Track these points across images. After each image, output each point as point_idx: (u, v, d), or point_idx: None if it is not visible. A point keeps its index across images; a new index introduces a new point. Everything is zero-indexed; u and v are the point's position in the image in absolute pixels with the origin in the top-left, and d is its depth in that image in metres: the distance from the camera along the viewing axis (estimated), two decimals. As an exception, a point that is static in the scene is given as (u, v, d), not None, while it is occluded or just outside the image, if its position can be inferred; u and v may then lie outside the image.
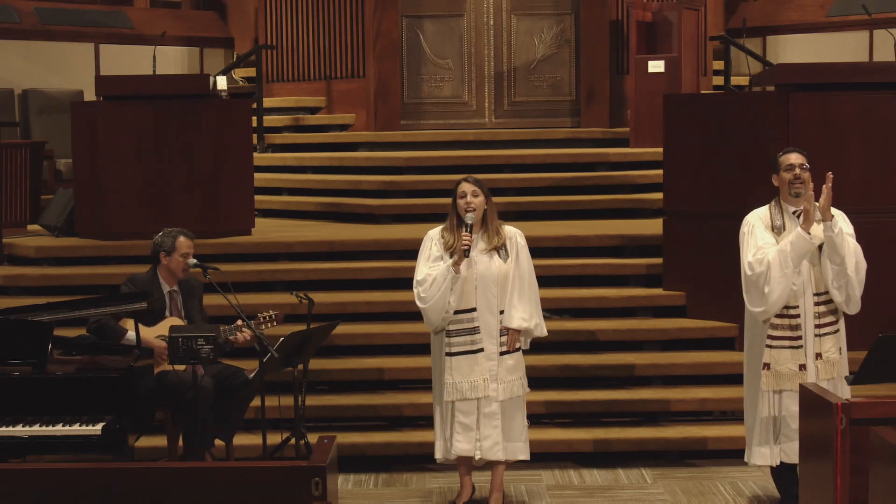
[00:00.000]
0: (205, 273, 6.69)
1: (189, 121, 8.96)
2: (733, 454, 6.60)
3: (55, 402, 5.74)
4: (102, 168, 8.93)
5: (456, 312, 6.14)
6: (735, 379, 7.01)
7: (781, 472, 6.21)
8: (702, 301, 7.95)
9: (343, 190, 10.42)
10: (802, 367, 6.08)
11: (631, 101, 11.13)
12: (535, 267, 6.37)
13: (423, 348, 6.59)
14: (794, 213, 6.13)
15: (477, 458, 6.24)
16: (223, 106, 9.17)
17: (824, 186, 5.94)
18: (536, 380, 7.17)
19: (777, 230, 6.13)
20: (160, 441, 6.76)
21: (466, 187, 6.19)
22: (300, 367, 6.65)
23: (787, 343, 6.10)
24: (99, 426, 5.63)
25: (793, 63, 10.07)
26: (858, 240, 6.12)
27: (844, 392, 6.00)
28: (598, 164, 10.42)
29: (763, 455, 6.18)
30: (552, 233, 8.78)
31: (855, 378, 5.68)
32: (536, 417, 7.21)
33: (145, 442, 6.59)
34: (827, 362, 6.08)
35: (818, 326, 6.10)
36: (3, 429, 5.62)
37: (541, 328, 6.31)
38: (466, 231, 6.11)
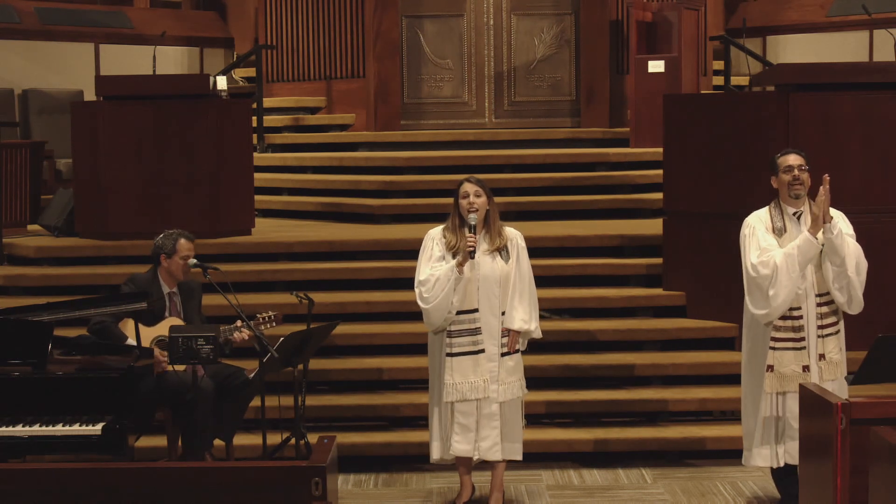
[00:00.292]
0: (205, 273, 6.69)
1: (189, 121, 8.96)
2: (733, 454, 6.60)
3: (55, 402, 5.74)
4: (102, 168, 8.93)
5: (458, 313, 6.14)
6: (735, 379, 7.00)
7: (781, 473, 6.21)
8: (702, 301, 7.95)
9: (343, 190, 10.42)
10: (806, 368, 6.08)
11: (631, 101, 11.13)
12: (535, 267, 6.39)
13: (423, 348, 6.59)
14: (793, 214, 6.12)
15: (475, 458, 6.24)
16: (223, 106, 9.17)
17: (821, 188, 5.94)
18: (536, 380, 7.18)
19: (777, 232, 6.12)
20: (160, 441, 6.76)
21: (469, 188, 6.19)
22: (300, 367, 6.65)
23: (790, 345, 6.10)
24: (99, 426, 5.63)
25: (793, 63, 10.08)
26: (858, 240, 6.12)
27: (845, 392, 6.00)
28: (598, 164, 10.42)
29: (764, 456, 6.18)
30: (552, 233, 8.78)
31: (855, 378, 5.68)
32: (536, 417, 7.21)
33: (145, 442, 6.60)
34: (830, 363, 6.09)
35: (820, 328, 6.10)
36: (3, 429, 5.62)
37: (538, 330, 6.32)
38: (470, 232, 6.10)
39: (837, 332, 6.15)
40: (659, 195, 8.70)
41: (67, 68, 12.22)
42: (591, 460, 7.11)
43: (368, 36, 11.80)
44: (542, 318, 7.90)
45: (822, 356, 6.09)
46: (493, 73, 11.92)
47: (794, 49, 12.53)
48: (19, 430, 5.62)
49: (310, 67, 12.28)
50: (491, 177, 8.30)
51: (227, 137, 9.07)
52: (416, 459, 7.02)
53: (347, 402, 7.45)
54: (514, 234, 6.29)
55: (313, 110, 12.19)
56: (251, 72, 12.29)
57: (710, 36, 11.90)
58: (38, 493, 4.15)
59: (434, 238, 6.26)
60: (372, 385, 7.63)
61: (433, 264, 6.18)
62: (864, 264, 6.07)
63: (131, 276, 6.87)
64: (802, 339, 6.09)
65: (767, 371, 6.12)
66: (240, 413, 6.70)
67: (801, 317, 6.09)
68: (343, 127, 11.99)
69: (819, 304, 6.10)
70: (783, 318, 6.10)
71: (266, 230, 9.37)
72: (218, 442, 6.68)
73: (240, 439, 6.86)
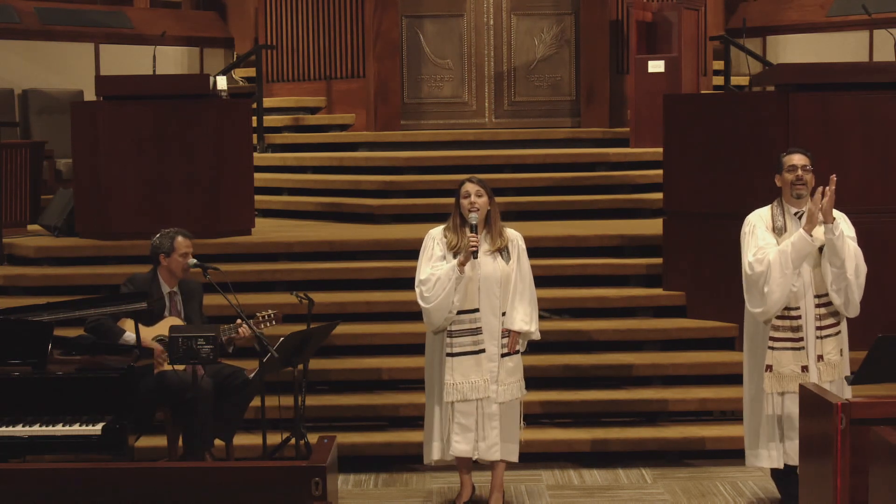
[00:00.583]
0: (205, 273, 6.69)
1: (189, 121, 8.96)
2: (733, 454, 6.60)
3: (55, 402, 5.74)
4: (102, 168, 8.93)
5: (459, 313, 6.14)
6: (735, 379, 7.01)
7: (782, 473, 6.21)
8: (702, 301, 7.95)
9: (343, 190, 10.42)
10: (805, 368, 6.07)
11: (631, 101, 11.13)
12: (535, 267, 6.39)
13: (422, 348, 6.58)
14: (795, 213, 6.12)
15: (475, 458, 6.23)
16: (223, 106, 9.17)
17: (827, 189, 5.93)
18: (536, 380, 7.18)
19: (778, 231, 6.12)
20: (160, 441, 6.76)
21: (470, 187, 6.19)
22: (300, 367, 6.65)
23: (789, 345, 6.10)
24: (99, 426, 5.63)
25: (793, 63, 10.08)
26: (858, 240, 6.12)
27: (845, 392, 6.00)
28: (598, 164, 10.43)
29: (767, 457, 6.18)
30: (552, 233, 8.78)
31: (855, 378, 5.68)
32: (536, 417, 7.21)
33: (145, 442, 6.60)
34: (828, 364, 6.08)
35: (819, 328, 6.09)
36: (3, 429, 5.62)
37: (537, 332, 6.32)
38: (472, 232, 6.10)
39: (838, 333, 6.14)
40: (659, 195, 8.70)
41: (67, 68, 12.22)
42: (591, 460, 7.11)
43: (368, 36, 11.81)
44: (542, 318, 7.91)
45: (820, 357, 6.08)
46: (493, 73, 11.92)
47: (794, 49, 12.53)
48: (19, 430, 5.62)
49: (310, 67, 12.28)
50: (491, 177, 8.30)
51: (227, 137, 9.07)
52: (416, 459, 7.00)
53: (347, 402, 7.44)
54: (514, 236, 6.30)
55: (313, 110, 12.19)
56: (251, 72, 12.29)
57: (710, 36, 11.91)
58: (38, 493, 4.15)
59: (435, 238, 6.26)
60: (372, 385, 7.63)
61: (434, 264, 6.18)
62: (864, 268, 6.05)
63: (131, 276, 6.87)
64: (801, 339, 6.09)
65: (766, 371, 6.12)
66: (240, 413, 6.70)
67: (799, 317, 6.09)
68: (343, 127, 11.99)
69: (818, 305, 6.09)
70: (781, 317, 6.09)
71: (266, 230, 9.37)
72: (218, 442, 6.68)
73: (240, 439, 6.85)
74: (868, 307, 6.20)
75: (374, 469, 7.05)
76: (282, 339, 6.37)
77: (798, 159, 6.12)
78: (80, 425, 5.65)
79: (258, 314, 6.70)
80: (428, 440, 6.30)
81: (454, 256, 6.14)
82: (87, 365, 6.01)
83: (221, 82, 9.36)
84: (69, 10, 12.51)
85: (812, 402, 5.19)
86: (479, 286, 6.17)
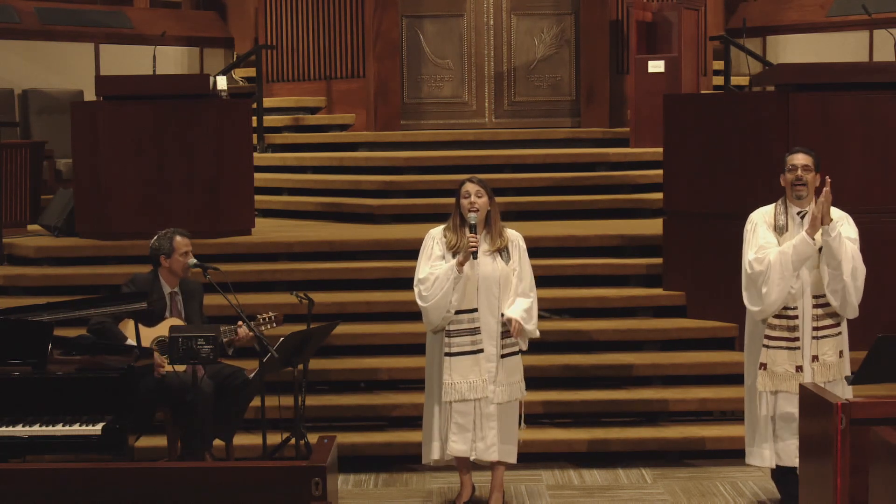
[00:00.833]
0: (205, 273, 6.69)
1: (189, 121, 8.95)
2: (733, 454, 6.60)
3: (55, 402, 5.74)
4: (102, 168, 8.93)
5: (457, 313, 6.14)
6: (735, 379, 7.01)
7: (782, 473, 6.21)
8: (702, 301, 7.95)
9: (343, 190, 10.42)
10: (799, 368, 6.07)
11: (631, 101, 11.13)
12: (535, 267, 6.39)
13: (422, 348, 6.58)
14: (798, 213, 6.12)
15: (472, 458, 6.23)
16: (223, 106, 9.17)
17: (824, 189, 5.94)
18: (536, 380, 7.18)
19: (779, 230, 6.13)
20: (160, 441, 6.76)
21: (470, 187, 6.19)
22: (300, 367, 6.65)
23: (784, 344, 6.10)
24: (99, 426, 5.63)
25: (793, 63, 10.08)
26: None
27: (845, 392, 5.99)
28: (598, 164, 10.42)
29: (760, 456, 6.19)
30: (552, 233, 8.78)
31: (855, 378, 5.68)
32: (536, 417, 7.21)
33: (145, 442, 6.59)
34: (823, 365, 6.06)
35: (816, 329, 6.08)
36: (3, 429, 5.62)
37: (536, 331, 6.31)
38: (471, 232, 6.10)
39: (836, 334, 6.11)
40: (659, 195, 8.70)
41: (67, 68, 12.22)
42: (591, 460, 7.11)
43: (368, 36, 11.80)
44: (542, 318, 7.91)
45: (815, 358, 6.06)
46: (493, 73, 11.92)
47: (794, 49, 12.52)
48: (19, 430, 5.62)
49: (310, 67, 12.28)
50: (491, 177, 8.30)
51: (227, 137, 9.07)
52: (416, 459, 6.99)
53: (347, 402, 7.44)
54: (515, 236, 6.29)
55: (313, 110, 12.19)
56: (251, 72, 12.29)
57: (710, 36, 11.90)
58: (38, 493, 4.15)
59: (435, 237, 6.26)
60: (372, 385, 7.63)
61: (433, 263, 6.18)
62: (862, 270, 6.03)
63: (132, 276, 6.87)
64: (797, 339, 6.09)
65: (760, 369, 6.13)
66: (240, 413, 6.70)
67: (795, 316, 6.09)
68: (343, 127, 11.99)
69: (815, 306, 6.08)
70: (778, 316, 6.10)
71: (266, 230, 9.37)
72: (218, 442, 6.68)
73: (240, 439, 6.86)
74: (868, 307, 6.20)
75: (374, 469, 7.05)
76: (282, 339, 6.37)
77: (799, 159, 6.12)
78: (80, 425, 5.65)
79: (259, 316, 6.71)
80: (427, 440, 6.30)
81: (453, 256, 6.13)
82: (87, 365, 6.01)
83: (221, 82, 9.36)
84: (69, 10, 12.51)
85: (812, 402, 5.19)
86: (478, 286, 6.16)
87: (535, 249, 6.40)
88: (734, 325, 7.65)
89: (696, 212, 7.99)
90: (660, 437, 7.18)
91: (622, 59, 11.71)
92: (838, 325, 6.12)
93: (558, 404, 7.37)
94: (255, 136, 10.53)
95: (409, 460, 7.07)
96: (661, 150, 8.43)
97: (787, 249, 6.00)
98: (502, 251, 6.21)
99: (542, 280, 6.41)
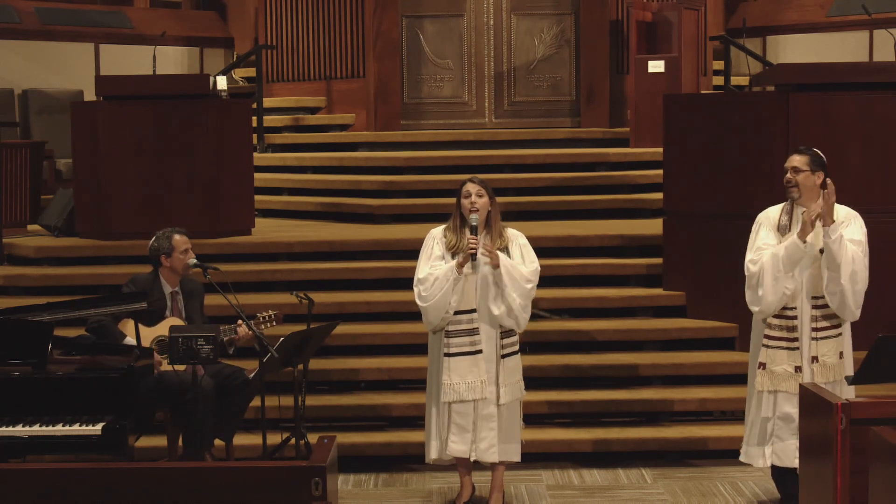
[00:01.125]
0: (205, 273, 6.69)
1: (189, 121, 8.95)
2: (733, 454, 6.59)
3: (55, 402, 5.73)
4: (102, 168, 8.93)
5: (456, 313, 6.13)
6: (735, 379, 7.02)
7: (781, 473, 6.21)
8: (702, 301, 7.95)
9: (343, 190, 10.43)
10: (798, 368, 6.06)
11: (631, 101, 11.13)
12: (539, 269, 6.32)
13: (422, 348, 6.58)
14: (803, 213, 6.11)
15: (472, 459, 6.23)
16: (223, 106, 9.17)
17: (824, 191, 5.94)
18: (536, 380, 7.18)
19: (782, 230, 6.13)
20: (160, 441, 6.76)
21: (471, 188, 6.18)
22: (300, 367, 6.65)
23: (783, 344, 6.10)
24: (99, 426, 5.63)
25: (793, 63, 10.07)
26: (859, 240, 6.12)
27: (845, 393, 5.99)
28: (598, 164, 10.43)
29: (753, 455, 6.20)
30: (552, 233, 8.78)
31: (855, 378, 5.68)
32: (536, 417, 7.21)
33: (145, 442, 6.59)
34: (823, 366, 6.05)
35: (815, 330, 6.06)
36: (3, 429, 5.62)
37: (524, 324, 6.20)
38: (472, 233, 6.09)
39: (837, 335, 6.09)
40: (659, 195, 8.70)
41: (67, 68, 12.22)
42: (591, 460, 7.11)
43: (368, 36, 11.81)
44: (542, 318, 7.94)
45: (814, 359, 6.05)
46: (493, 73, 11.92)
47: (794, 49, 12.53)
48: (19, 430, 5.62)
49: (310, 67, 12.28)
50: (491, 177, 8.29)
51: (227, 137, 9.07)
52: (416, 459, 7.01)
53: (347, 402, 7.45)
54: (515, 235, 6.28)
55: (313, 110, 12.20)
56: (251, 72, 12.29)
57: (710, 36, 11.91)
58: (38, 493, 4.15)
59: (435, 237, 6.26)
60: (372, 385, 7.63)
61: (433, 263, 6.17)
62: (863, 274, 5.99)
63: (133, 276, 6.87)
64: (796, 339, 6.08)
65: (759, 368, 6.14)
66: (240, 413, 6.70)
67: (794, 317, 6.09)
68: (343, 127, 11.99)
69: (814, 307, 6.07)
70: (777, 316, 6.10)
71: (266, 230, 9.37)
72: (218, 442, 6.68)
73: (240, 439, 6.86)
74: (868, 307, 6.19)
75: (374, 469, 7.05)
76: (282, 339, 6.37)
77: (792, 160, 6.13)
78: (80, 425, 5.65)
79: (259, 315, 6.71)
80: (427, 439, 6.30)
81: (453, 257, 6.13)
82: (87, 365, 6.01)
83: (221, 82, 9.37)
84: (69, 10, 12.51)
85: (812, 402, 5.19)
86: (477, 287, 6.16)
87: (535, 249, 6.37)
88: (734, 325, 7.65)
89: (696, 212, 7.99)
90: (660, 437, 7.18)
91: (622, 59, 11.71)
92: (838, 326, 6.09)
93: (558, 404, 7.37)
94: (255, 136, 10.54)
95: (409, 460, 7.08)
96: (661, 150, 8.43)
97: (779, 252, 6.01)
98: (502, 251, 6.20)
99: (542, 280, 6.40)
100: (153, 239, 6.78)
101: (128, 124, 8.90)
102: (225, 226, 9.02)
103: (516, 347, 6.26)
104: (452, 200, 6.26)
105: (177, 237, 6.73)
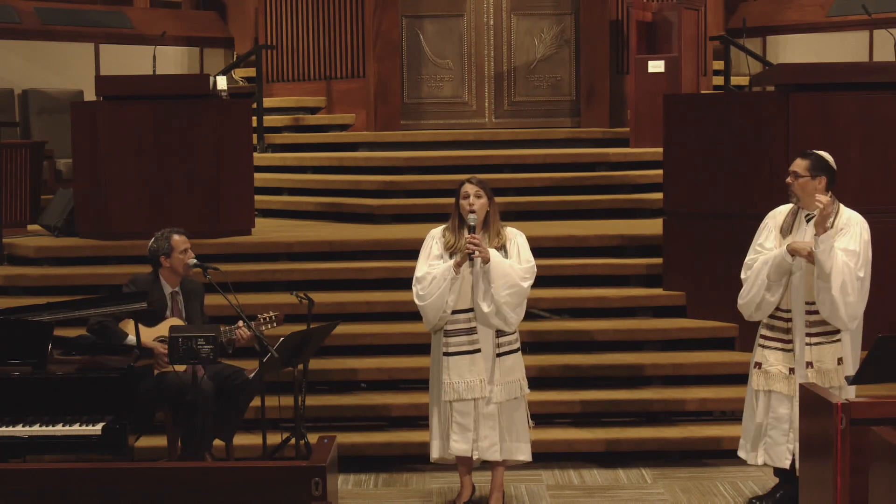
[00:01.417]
0: (205, 273, 6.69)
1: (189, 121, 8.96)
2: (733, 454, 6.59)
3: (55, 402, 5.74)
4: (102, 168, 8.93)
5: (454, 312, 6.13)
6: (735, 379, 7.02)
7: (784, 472, 6.23)
8: (702, 301, 7.95)
9: (343, 190, 10.43)
10: (792, 371, 6.06)
11: (631, 101, 11.14)
12: (535, 267, 6.32)
13: (422, 348, 6.59)
14: (806, 216, 6.10)
15: (474, 458, 6.23)
16: (223, 106, 9.17)
17: (815, 201, 5.94)
18: (537, 380, 7.18)
19: (784, 231, 6.14)
20: (160, 441, 6.76)
21: (469, 188, 6.18)
22: (300, 367, 6.65)
23: (778, 345, 6.12)
24: (99, 426, 5.63)
25: (793, 63, 10.07)
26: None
27: (845, 394, 5.99)
28: (598, 164, 10.43)
29: (745, 452, 6.24)
30: (552, 233, 8.78)
31: (855, 378, 5.67)
32: (536, 417, 7.18)
33: (145, 442, 6.60)
34: (819, 372, 6.03)
35: (809, 335, 6.05)
36: (3, 429, 5.62)
37: (515, 323, 6.17)
38: (470, 234, 6.08)
39: (833, 341, 6.05)
40: (659, 195, 8.70)
41: (67, 68, 12.22)
42: (591, 460, 7.11)
43: (368, 36, 11.81)
44: (542, 318, 7.94)
45: (809, 364, 6.04)
46: (493, 73, 11.92)
47: (794, 49, 12.53)
48: (19, 430, 5.62)
49: (310, 67, 12.28)
50: (491, 177, 8.30)
51: (227, 137, 9.07)
52: (416, 459, 7.02)
53: (347, 402, 7.45)
54: (513, 233, 6.28)
55: (313, 110, 12.20)
56: (251, 72, 12.29)
57: (710, 36, 11.91)
58: (38, 493, 4.15)
59: (435, 237, 6.26)
60: (372, 385, 7.63)
61: (431, 262, 6.17)
62: (854, 285, 5.94)
63: (133, 277, 6.87)
64: (790, 341, 6.09)
65: (755, 367, 6.16)
66: (240, 413, 6.70)
67: (789, 319, 6.09)
68: (343, 127, 11.99)
69: (808, 312, 6.06)
70: (773, 317, 6.13)
71: (266, 230, 9.37)
72: (218, 442, 6.68)
73: (240, 439, 6.86)
74: (868, 307, 6.19)
75: (374, 469, 7.05)
76: (282, 339, 6.37)
77: (794, 165, 6.14)
78: (80, 425, 5.65)
79: (260, 315, 6.70)
80: (431, 439, 6.30)
81: (451, 257, 6.13)
82: (87, 365, 6.01)
83: (221, 82, 9.37)
84: (69, 10, 12.51)
85: (812, 402, 5.19)
86: (474, 286, 6.15)
87: (535, 249, 6.38)
88: (734, 325, 7.65)
89: (696, 212, 7.99)
90: (660, 437, 7.18)
91: (622, 59, 11.71)
92: (836, 332, 6.05)
93: (558, 404, 7.37)
94: (255, 136, 10.54)
95: (409, 460, 7.08)
96: (661, 150, 8.43)
97: (768, 260, 6.03)
98: (500, 250, 6.19)
99: (542, 280, 6.41)
100: (152, 240, 6.78)
101: (128, 124, 8.90)
102: (225, 226, 9.02)
103: (514, 346, 6.24)
104: (452, 200, 6.26)
105: (176, 237, 6.73)
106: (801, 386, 5.44)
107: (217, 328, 6.19)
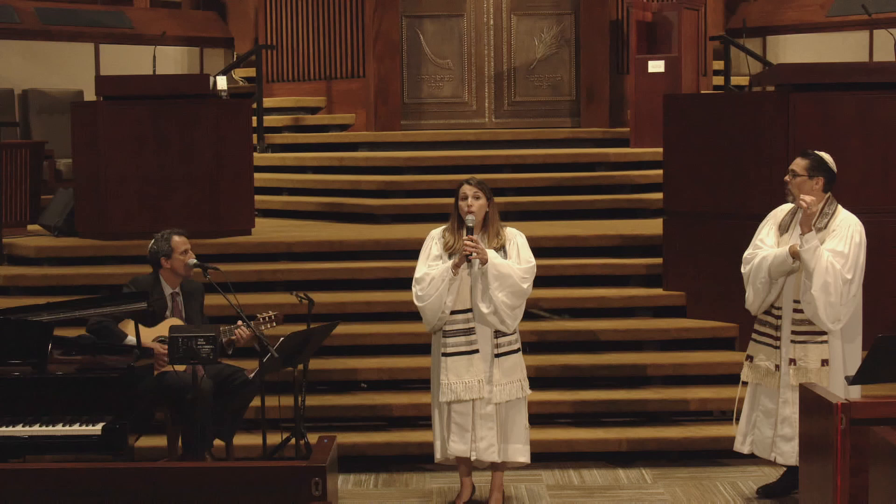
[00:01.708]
0: (205, 273, 6.69)
1: (189, 121, 8.96)
2: (733, 454, 6.60)
3: (55, 402, 5.74)
4: (102, 168, 8.93)
5: (452, 313, 6.13)
6: (735, 379, 6.99)
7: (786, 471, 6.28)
8: (702, 301, 7.95)
9: (343, 190, 10.43)
10: (777, 367, 6.12)
11: (631, 101, 11.14)
12: (535, 267, 6.32)
13: (423, 348, 6.58)
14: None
15: (473, 458, 6.23)
16: (223, 106, 9.17)
17: (800, 200, 5.97)
18: (536, 380, 7.18)
19: (781, 229, 6.16)
20: (160, 441, 6.76)
21: (467, 189, 6.17)
22: (300, 367, 6.65)
23: (767, 340, 6.21)
24: (99, 426, 5.63)
25: (793, 63, 10.08)
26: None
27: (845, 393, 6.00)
28: (598, 164, 10.43)
29: (738, 441, 6.35)
30: (552, 233, 8.78)
31: (854, 378, 5.68)
32: (536, 417, 7.20)
33: (145, 442, 6.60)
34: (800, 370, 6.05)
35: (795, 333, 6.08)
36: (3, 429, 5.62)
37: (513, 325, 6.16)
38: (468, 234, 6.08)
39: (819, 342, 6.06)
40: (659, 195, 8.70)
41: (67, 68, 12.22)
42: (591, 460, 7.11)
43: (368, 36, 11.81)
44: (541, 318, 7.94)
45: (792, 361, 6.07)
46: (493, 73, 11.92)
47: (794, 49, 12.53)
48: (19, 430, 5.62)
49: (310, 67, 12.28)
50: (491, 177, 8.32)
51: (227, 137, 9.07)
52: (416, 459, 7.02)
53: (347, 402, 7.44)
54: (512, 233, 6.28)
55: (313, 110, 12.20)
56: (251, 72, 12.29)
57: (710, 36, 11.91)
58: (38, 493, 4.15)
59: (434, 237, 6.26)
60: (372, 385, 7.63)
61: (430, 263, 6.17)
62: (838, 286, 5.94)
63: (133, 277, 6.87)
64: (778, 338, 6.14)
65: (746, 360, 6.23)
66: (240, 413, 6.71)
67: (780, 316, 6.14)
68: (343, 127, 11.99)
69: (795, 310, 6.10)
70: (766, 313, 6.21)
71: (266, 230, 9.37)
72: (218, 442, 6.68)
73: (240, 439, 6.85)
74: (868, 307, 6.20)
75: (374, 469, 7.05)
76: (282, 339, 6.37)
77: (793, 164, 6.16)
78: (79, 425, 5.65)
79: (260, 315, 6.70)
80: (434, 440, 6.30)
81: (450, 257, 6.13)
82: (87, 365, 6.01)
83: (221, 82, 9.37)
84: (69, 10, 12.51)
85: (812, 402, 5.19)
86: (473, 286, 6.15)
87: (535, 249, 6.38)
88: (734, 325, 7.65)
89: (696, 212, 7.99)
90: (660, 437, 7.18)
91: (622, 59, 11.71)
92: (821, 333, 6.06)
93: (558, 404, 7.37)
94: (255, 136, 10.54)
95: (408, 460, 7.08)
96: (661, 150, 8.43)
97: (768, 257, 6.05)
98: (499, 250, 6.19)
99: (542, 280, 6.41)
100: (152, 241, 6.78)
101: (128, 124, 8.90)
102: (225, 226, 9.02)
103: (514, 347, 6.23)
104: (452, 200, 6.26)
105: (176, 238, 6.73)
106: (801, 386, 5.45)
107: (217, 328, 6.19)
